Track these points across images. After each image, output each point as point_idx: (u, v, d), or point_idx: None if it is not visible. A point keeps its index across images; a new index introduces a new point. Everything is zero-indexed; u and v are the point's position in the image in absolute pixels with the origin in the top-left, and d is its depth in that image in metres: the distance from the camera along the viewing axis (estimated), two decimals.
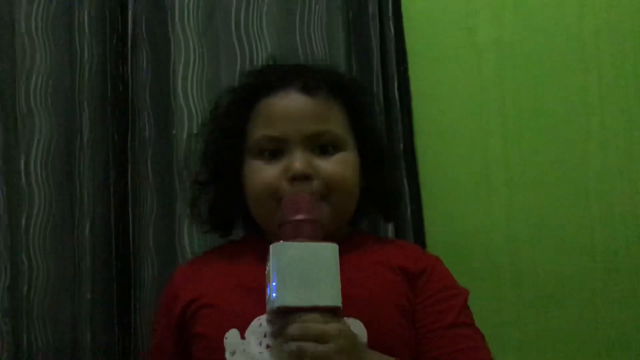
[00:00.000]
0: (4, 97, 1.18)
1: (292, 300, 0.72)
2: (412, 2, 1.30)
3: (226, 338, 0.79)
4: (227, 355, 0.79)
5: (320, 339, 0.71)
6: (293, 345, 0.71)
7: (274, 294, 0.72)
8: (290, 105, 0.88)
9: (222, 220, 0.96)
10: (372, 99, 1.18)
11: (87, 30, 1.19)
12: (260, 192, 0.86)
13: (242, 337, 0.79)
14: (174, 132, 1.19)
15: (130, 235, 1.19)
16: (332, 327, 0.72)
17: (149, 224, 1.16)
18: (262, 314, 0.78)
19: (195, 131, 1.14)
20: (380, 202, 0.96)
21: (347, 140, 0.90)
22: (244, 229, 0.99)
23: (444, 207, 1.30)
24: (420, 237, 1.26)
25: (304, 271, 0.73)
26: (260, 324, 0.79)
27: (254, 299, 0.79)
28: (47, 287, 1.15)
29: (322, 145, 0.87)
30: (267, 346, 0.77)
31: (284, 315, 0.73)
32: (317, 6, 1.21)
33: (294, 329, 0.72)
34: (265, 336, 0.78)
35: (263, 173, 0.86)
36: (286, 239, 0.76)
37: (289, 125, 0.86)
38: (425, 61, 1.33)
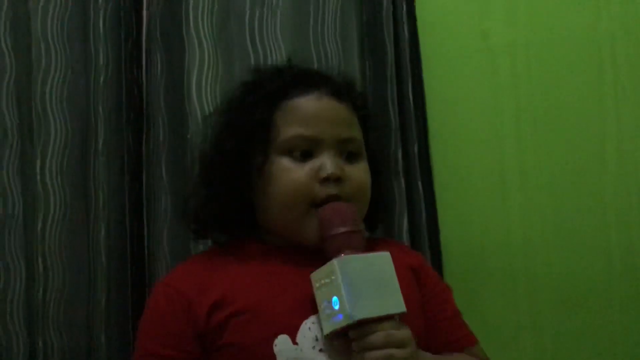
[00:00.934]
0: (20, 100, 1.18)
1: (370, 311, 0.74)
2: (426, 4, 1.30)
3: (275, 345, 0.77)
4: None
5: (402, 344, 0.75)
6: (379, 354, 0.73)
7: (349, 308, 0.73)
8: (326, 107, 0.87)
9: (221, 222, 0.91)
10: (378, 115, 1.19)
11: (102, 34, 1.19)
12: (290, 192, 0.83)
13: (294, 343, 0.77)
14: (188, 136, 1.19)
15: (145, 238, 1.19)
16: (406, 332, 0.76)
17: (163, 227, 1.16)
18: (307, 317, 0.78)
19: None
20: (374, 213, 0.95)
21: (364, 150, 0.91)
22: (231, 232, 0.93)
23: (459, 210, 1.30)
24: (435, 241, 1.25)
25: (371, 282, 0.75)
26: (309, 327, 0.78)
27: (297, 302, 0.79)
28: (63, 290, 1.15)
29: (349, 152, 0.88)
30: (320, 350, 0.77)
31: (360, 326, 0.74)
32: (331, 9, 1.21)
33: (378, 337, 0.74)
34: (317, 340, 0.77)
35: (293, 173, 0.84)
36: (336, 251, 0.77)
37: (325, 127, 0.86)
38: (440, 64, 1.33)
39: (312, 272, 0.80)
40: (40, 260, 1.14)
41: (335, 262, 0.75)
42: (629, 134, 1.29)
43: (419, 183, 1.24)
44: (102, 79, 1.18)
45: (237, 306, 0.80)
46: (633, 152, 1.28)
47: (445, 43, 1.34)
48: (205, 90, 1.19)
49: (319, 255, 0.80)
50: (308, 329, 0.78)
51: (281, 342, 0.77)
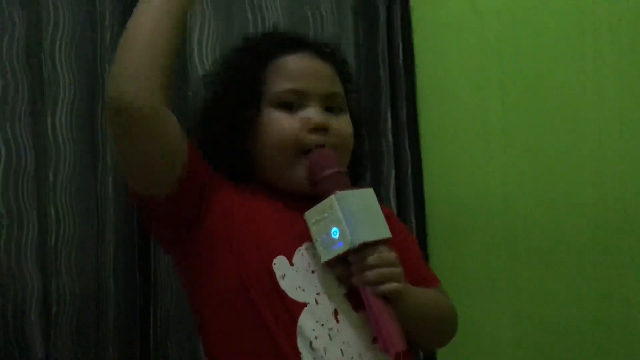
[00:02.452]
0: (30, 58, 1.23)
1: (367, 236, 0.84)
2: None
3: (274, 264, 0.86)
4: (277, 277, 0.85)
5: (393, 264, 0.85)
6: (375, 272, 0.83)
7: (350, 234, 0.83)
8: (312, 65, 0.96)
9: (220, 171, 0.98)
10: (357, 80, 1.24)
11: None
12: (281, 139, 0.91)
13: (291, 264, 0.87)
14: (189, 93, 1.25)
15: None
16: (394, 253, 0.87)
17: None
18: (301, 245, 0.88)
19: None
20: (353, 168, 1.02)
21: (346, 106, 0.99)
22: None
23: (444, 168, 1.37)
24: (420, 197, 1.33)
25: (363, 213, 0.86)
26: (302, 253, 0.88)
27: (292, 233, 0.89)
28: (73, 237, 1.22)
29: (331, 107, 0.96)
30: (313, 271, 0.87)
31: (359, 250, 0.84)
32: None
33: (374, 259, 0.84)
34: (309, 264, 0.87)
35: (284, 122, 0.92)
36: (329, 190, 0.86)
37: (311, 82, 0.94)
38: (429, 29, 1.38)
39: (301, 214, 0.89)
40: (52, 209, 1.21)
41: (333, 198, 0.85)
42: (607, 96, 1.34)
43: (406, 142, 1.31)
44: (108, 37, 1.23)
45: (243, 218, 0.89)
46: (611, 115, 1.34)
47: (435, 8, 1.39)
48: (206, 51, 1.25)
49: (306, 201, 0.89)
50: (301, 254, 0.88)
51: (279, 262, 0.86)
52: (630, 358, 1.29)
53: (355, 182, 1.04)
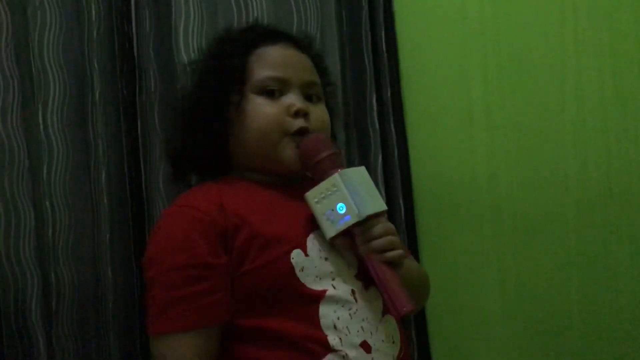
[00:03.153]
0: (19, 56, 1.25)
1: (372, 209, 0.90)
2: None
3: (292, 258, 0.90)
4: (297, 272, 0.89)
5: (394, 233, 0.92)
6: (383, 240, 0.90)
7: (356, 208, 0.89)
8: (292, 55, 1.01)
9: (197, 159, 1.01)
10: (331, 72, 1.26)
11: None
12: (266, 124, 0.96)
13: (306, 255, 0.91)
14: (178, 86, 1.27)
15: (143, 180, 1.28)
16: (392, 225, 0.93)
17: (158, 169, 1.26)
18: (309, 234, 0.93)
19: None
20: None
21: (323, 96, 1.04)
22: (207, 174, 1.03)
23: (429, 149, 1.39)
24: (407, 177, 1.36)
25: (364, 187, 0.92)
26: (312, 242, 0.92)
27: (298, 223, 0.93)
28: (70, 229, 1.25)
29: (310, 95, 1.01)
30: (325, 259, 0.92)
31: (364, 223, 0.90)
32: None
33: (380, 229, 0.90)
34: (320, 250, 0.92)
35: (268, 108, 0.97)
36: (329, 170, 0.92)
37: (291, 70, 0.99)
38: (411, 13, 1.40)
39: (296, 198, 0.94)
40: (47, 202, 1.23)
41: (337, 176, 0.91)
42: (587, 75, 1.36)
43: (392, 126, 1.34)
44: (95, 33, 1.25)
45: (253, 229, 0.90)
46: (591, 93, 1.35)
47: None
48: (192, 44, 1.27)
49: (295, 188, 0.95)
50: (312, 243, 0.92)
51: (296, 255, 0.90)
52: (616, 326, 1.31)
53: None
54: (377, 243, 0.90)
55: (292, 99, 0.97)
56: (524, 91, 1.39)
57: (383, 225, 0.91)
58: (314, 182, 0.93)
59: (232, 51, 1.00)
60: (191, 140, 1.00)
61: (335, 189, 0.90)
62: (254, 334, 0.89)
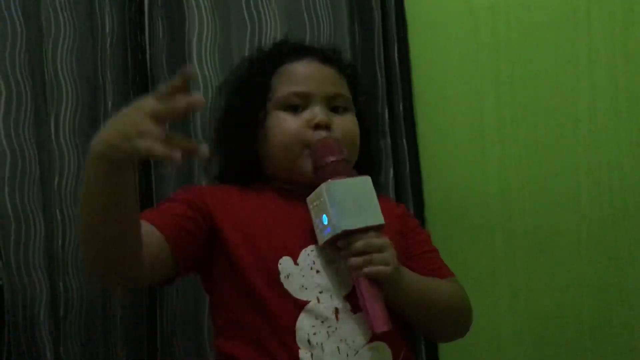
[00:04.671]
0: (33, 66, 1.25)
1: (353, 223, 0.88)
2: None
3: (280, 264, 0.91)
4: (282, 277, 0.91)
5: (380, 249, 0.89)
6: (360, 258, 0.87)
7: (335, 222, 0.88)
8: (314, 69, 1.03)
9: (234, 172, 1.06)
10: (366, 83, 1.29)
11: (106, 0, 1.26)
12: (287, 138, 0.99)
13: (296, 264, 0.92)
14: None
15: (153, 192, 1.27)
16: (385, 239, 0.90)
17: (170, 183, 1.25)
18: (307, 245, 0.93)
19: (210, 98, 1.23)
20: (364, 169, 1.06)
21: (352, 106, 1.06)
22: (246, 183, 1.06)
23: (441, 164, 1.38)
24: (418, 193, 1.34)
25: (354, 200, 0.90)
26: (308, 254, 0.93)
27: (301, 233, 0.94)
28: (79, 239, 1.24)
29: (336, 107, 1.02)
30: (317, 271, 0.92)
31: (346, 236, 0.89)
32: None
33: (360, 244, 0.88)
34: (314, 263, 0.92)
35: (290, 122, 0.99)
36: (327, 177, 0.91)
37: (313, 84, 1.01)
38: (424, 27, 1.40)
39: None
40: (58, 212, 1.23)
41: (322, 186, 0.91)
42: (601, 92, 1.35)
43: (404, 140, 1.33)
44: (108, 44, 1.25)
45: (251, 229, 0.94)
46: (604, 110, 1.35)
47: (430, 6, 1.40)
48: (205, 56, 1.27)
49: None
50: (307, 254, 0.93)
51: (285, 262, 0.92)
52: (629, 346, 1.31)
53: None
54: (354, 260, 0.88)
55: (314, 112, 0.99)
56: (536, 106, 1.38)
57: (365, 242, 0.88)
58: None
59: (257, 70, 1.05)
60: (224, 159, 1.06)
61: (321, 199, 0.90)
62: (234, 328, 0.92)
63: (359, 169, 1.02)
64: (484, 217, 1.38)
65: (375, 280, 0.88)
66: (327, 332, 0.89)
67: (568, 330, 1.33)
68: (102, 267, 0.85)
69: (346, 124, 1.02)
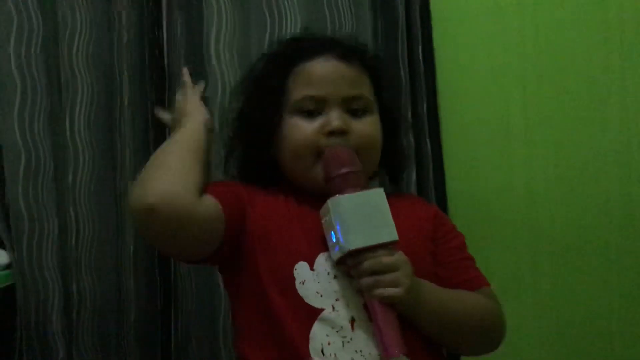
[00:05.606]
0: (49, 60, 1.23)
1: (360, 242, 0.83)
2: None
3: (295, 269, 0.87)
4: (297, 284, 0.86)
5: (390, 268, 0.83)
6: (370, 279, 0.83)
7: (342, 241, 0.83)
8: (330, 69, 0.96)
9: (252, 174, 1.01)
10: (392, 76, 1.26)
11: None
12: (300, 145, 0.93)
13: (312, 269, 0.87)
14: (207, 94, 1.23)
15: None
16: (397, 257, 0.84)
17: None
18: (324, 251, 0.88)
19: (227, 94, 1.21)
20: (391, 166, 1.04)
21: (374, 106, 0.99)
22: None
23: (465, 164, 1.34)
24: (441, 194, 1.31)
25: (362, 216, 0.84)
26: (325, 259, 0.88)
27: (317, 239, 0.89)
28: (93, 238, 1.23)
29: (355, 109, 0.96)
30: (334, 277, 0.87)
31: (355, 255, 0.84)
32: None
33: (368, 265, 0.83)
34: (331, 268, 0.87)
35: (303, 128, 0.94)
36: (337, 191, 0.86)
37: (329, 87, 0.94)
38: (449, 24, 1.36)
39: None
40: (72, 210, 1.21)
41: (328, 202, 0.86)
42: (633, 90, 1.31)
43: (427, 140, 1.29)
44: (125, 39, 1.23)
45: (268, 231, 0.90)
46: (636, 109, 1.31)
47: (455, 2, 1.36)
48: (223, 51, 1.24)
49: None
50: (324, 260, 0.88)
51: (300, 267, 0.87)
52: None
53: (395, 181, 1.06)
54: (364, 281, 0.83)
55: (329, 118, 0.93)
56: (565, 106, 1.34)
57: (373, 262, 0.83)
58: None
59: (271, 71, 0.99)
60: (241, 160, 1.02)
61: (329, 215, 0.85)
62: (249, 332, 0.89)
63: (383, 168, 0.99)
64: (508, 220, 1.34)
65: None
66: (342, 342, 0.84)
67: (596, 340, 1.29)
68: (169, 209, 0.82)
69: (365, 128, 0.95)
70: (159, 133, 1.26)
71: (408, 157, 1.19)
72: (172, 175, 0.85)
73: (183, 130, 0.95)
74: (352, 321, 0.85)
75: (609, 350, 1.28)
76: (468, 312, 0.91)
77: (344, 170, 0.87)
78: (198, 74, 1.24)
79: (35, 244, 1.20)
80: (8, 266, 1.19)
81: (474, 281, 0.97)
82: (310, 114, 0.94)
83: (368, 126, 0.96)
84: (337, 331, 0.84)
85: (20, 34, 1.21)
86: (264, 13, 1.25)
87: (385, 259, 0.84)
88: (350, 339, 0.84)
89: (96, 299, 1.22)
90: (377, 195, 0.86)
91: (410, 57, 1.30)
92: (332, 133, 0.92)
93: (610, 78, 1.32)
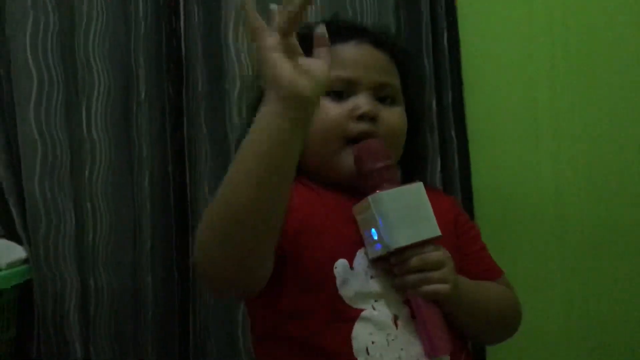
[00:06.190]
0: (65, 53, 1.21)
1: (406, 240, 0.80)
2: None
3: (335, 267, 0.82)
4: (338, 283, 0.82)
5: (438, 265, 0.81)
6: (418, 276, 0.80)
7: (386, 239, 0.80)
8: (363, 53, 0.92)
9: None
10: (419, 73, 1.22)
11: None
12: (326, 129, 0.88)
13: (351, 267, 0.83)
14: (226, 85, 1.22)
15: (187, 184, 1.23)
16: (442, 253, 0.82)
17: (204, 174, 1.21)
18: (361, 247, 0.84)
19: (246, 85, 1.19)
20: (411, 162, 0.99)
21: (401, 98, 0.95)
22: None
23: (492, 158, 1.31)
24: (467, 188, 1.27)
25: (405, 212, 0.81)
26: (363, 256, 0.84)
27: (353, 233, 0.85)
28: (110, 234, 1.21)
29: (383, 97, 0.92)
30: (371, 277, 0.83)
31: (399, 253, 0.81)
32: None
33: (415, 262, 0.81)
34: (369, 266, 0.83)
35: (330, 110, 0.89)
36: (374, 186, 0.83)
37: (361, 70, 0.91)
38: (474, 14, 1.32)
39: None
40: (89, 205, 1.20)
41: (369, 199, 0.82)
42: None
43: (452, 132, 1.26)
44: (142, 30, 1.21)
45: (301, 229, 0.84)
46: None
47: None
48: (242, 41, 1.22)
49: (360, 194, 0.85)
50: (362, 257, 0.84)
51: (340, 265, 0.83)
52: None
53: (411, 176, 1.00)
54: (411, 278, 0.81)
55: (359, 101, 0.89)
56: (595, 97, 1.30)
57: (422, 257, 0.81)
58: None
59: (304, 50, 0.94)
60: None
61: (368, 211, 0.82)
62: (285, 338, 0.84)
63: (403, 165, 0.95)
64: (536, 216, 1.30)
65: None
66: (387, 340, 0.81)
67: (628, 340, 1.26)
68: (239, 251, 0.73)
69: (393, 118, 0.92)
70: (176, 125, 1.24)
71: (425, 159, 1.16)
72: (225, 233, 0.72)
73: (256, 122, 0.72)
74: (395, 319, 0.82)
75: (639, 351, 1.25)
76: (495, 303, 0.92)
77: (380, 164, 0.84)
78: (216, 66, 1.23)
79: (52, 239, 1.18)
80: (25, 261, 1.17)
81: (493, 271, 0.97)
82: (338, 96, 0.90)
83: (396, 116, 0.93)
84: (379, 329, 0.81)
85: (36, 24, 1.19)
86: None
87: (433, 255, 0.81)
88: (395, 336, 0.81)
89: (114, 295, 1.20)
90: (417, 190, 0.83)
91: (434, 48, 1.27)
92: (361, 117, 0.88)
93: None
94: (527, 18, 1.31)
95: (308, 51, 0.92)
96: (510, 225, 1.30)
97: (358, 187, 0.86)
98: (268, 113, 0.71)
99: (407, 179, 1.00)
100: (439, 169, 1.23)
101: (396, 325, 0.82)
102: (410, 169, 0.99)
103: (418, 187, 0.84)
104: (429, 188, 0.91)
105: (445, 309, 0.82)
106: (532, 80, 1.31)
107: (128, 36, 1.23)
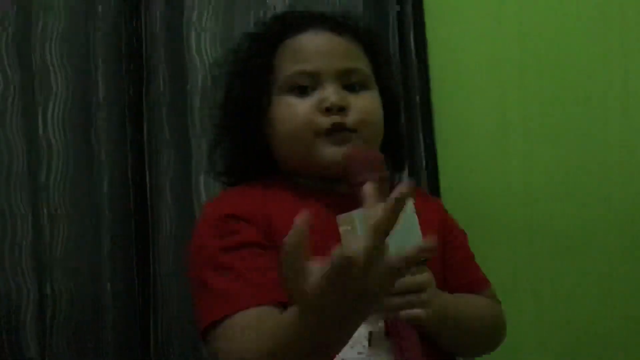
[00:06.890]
0: (21, 55, 1.18)
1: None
2: None
3: None
4: None
5: (419, 287, 0.79)
6: (401, 299, 0.77)
7: None
8: (322, 42, 0.89)
9: (242, 166, 0.94)
10: (388, 49, 1.20)
11: None
12: (295, 126, 0.86)
13: None
14: (188, 86, 1.20)
15: (148, 189, 1.21)
16: (426, 277, 0.80)
17: (166, 178, 1.19)
18: None
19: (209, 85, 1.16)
20: (394, 150, 0.96)
21: (372, 82, 0.92)
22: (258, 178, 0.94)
23: (460, 159, 1.31)
24: (435, 189, 1.27)
25: (390, 233, 0.76)
26: None
27: (333, 241, 0.77)
28: (69, 239, 1.18)
29: (352, 84, 0.89)
30: None
31: None
32: None
33: (397, 284, 0.76)
34: None
35: (298, 107, 0.86)
36: (362, 200, 0.77)
37: (322, 60, 0.87)
38: (443, 9, 1.31)
39: (335, 213, 0.80)
40: (45, 210, 1.17)
41: (355, 217, 0.77)
42: (634, 81, 1.28)
43: (420, 134, 1.25)
44: (101, 31, 1.19)
45: (276, 241, 0.79)
46: (637, 100, 1.28)
47: None
48: (205, 41, 1.20)
49: (346, 198, 0.81)
50: None
51: None
52: None
53: (400, 169, 0.99)
54: (392, 302, 0.78)
55: (325, 93, 0.86)
56: (564, 97, 1.30)
57: (405, 280, 0.78)
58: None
59: (257, 49, 0.91)
60: (230, 152, 0.93)
61: (353, 226, 0.77)
62: None
63: (385, 151, 0.91)
64: (506, 219, 1.30)
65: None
66: (358, 357, 0.78)
67: (598, 344, 1.26)
68: None
69: (364, 104, 0.88)
70: (136, 128, 1.22)
71: (407, 147, 1.13)
72: None
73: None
74: (370, 336, 0.79)
75: (609, 352, 1.26)
76: (480, 318, 0.89)
77: (371, 176, 0.79)
78: (178, 63, 1.21)
79: (9, 243, 1.15)
80: None
81: (479, 283, 0.94)
82: (302, 91, 0.87)
83: (368, 102, 0.89)
84: (351, 347, 0.78)
85: None
86: (249, 10, 1.21)
87: (417, 278, 0.79)
88: (367, 356, 0.79)
89: (72, 301, 1.17)
90: (407, 210, 0.78)
91: (401, 45, 1.26)
92: (329, 110, 0.85)
93: (611, 69, 1.29)
94: (496, 16, 1.31)
95: (267, 43, 0.90)
96: (479, 228, 1.27)
97: (346, 195, 0.82)
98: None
99: (392, 165, 0.98)
100: (406, 172, 1.21)
101: (369, 343, 0.79)
102: (394, 154, 0.96)
103: (407, 204, 0.81)
104: (417, 191, 0.89)
105: (427, 329, 0.80)
106: (501, 80, 1.31)
107: (87, 36, 1.20)
